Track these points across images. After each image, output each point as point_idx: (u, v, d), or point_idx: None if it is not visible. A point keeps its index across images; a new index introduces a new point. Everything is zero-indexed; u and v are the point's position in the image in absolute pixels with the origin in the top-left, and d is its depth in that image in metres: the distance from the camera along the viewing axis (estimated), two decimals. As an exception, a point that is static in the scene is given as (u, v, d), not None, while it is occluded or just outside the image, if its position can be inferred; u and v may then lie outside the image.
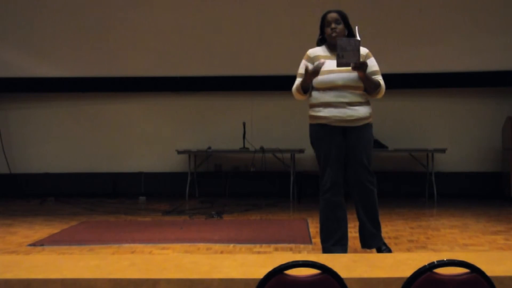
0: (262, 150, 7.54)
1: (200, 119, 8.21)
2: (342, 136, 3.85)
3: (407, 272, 1.91)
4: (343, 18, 3.90)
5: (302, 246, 4.43)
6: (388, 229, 5.11)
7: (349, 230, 3.98)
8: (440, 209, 6.61)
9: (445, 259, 1.84)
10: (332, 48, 3.87)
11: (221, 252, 4.25)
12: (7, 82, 8.08)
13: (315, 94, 3.88)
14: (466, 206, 6.70)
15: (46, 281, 2.76)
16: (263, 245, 4.51)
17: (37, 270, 2.93)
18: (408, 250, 4.28)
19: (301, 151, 7.41)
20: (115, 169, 8.20)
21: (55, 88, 8.14)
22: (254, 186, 8.02)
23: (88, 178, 8.21)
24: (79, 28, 8.02)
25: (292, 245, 4.46)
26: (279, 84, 6.82)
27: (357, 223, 4.04)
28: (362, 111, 3.84)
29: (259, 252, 4.23)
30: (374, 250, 3.99)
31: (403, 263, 3.02)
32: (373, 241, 3.96)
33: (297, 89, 3.90)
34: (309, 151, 7.26)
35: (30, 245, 4.63)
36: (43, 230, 5.32)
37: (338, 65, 3.65)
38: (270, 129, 7.98)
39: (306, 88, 3.87)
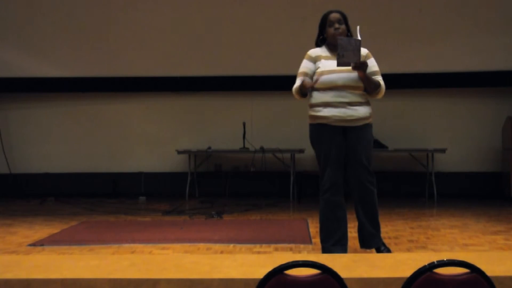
0: (262, 150, 7.54)
1: (200, 119, 8.21)
2: (342, 136, 3.85)
3: (407, 272, 1.91)
4: (345, 19, 3.91)
5: (302, 246, 4.43)
6: (388, 229, 5.11)
7: (349, 230, 3.98)
8: (440, 209, 6.61)
9: (445, 259, 1.84)
10: (332, 48, 3.88)
11: (221, 252, 4.25)
12: (7, 82, 8.08)
13: (315, 94, 3.88)
14: (466, 206, 6.70)
15: (46, 281, 2.76)
16: (263, 245, 4.51)
17: (37, 270, 2.93)
18: (408, 250, 4.27)
19: (301, 151, 7.41)
20: (115, 169, 8.21)
21: (55, 88, 8.15)
22: (254, 186, 8.02)
23: (88, 178, 8.21)
24: (79, 28, 8.02)
25: (292, 245, 4.46)
26: (279, 84, 6.83)
27: (357, 223, 4.04)
28: (362, 111, 3.84)
29: (259, 252, 4.23)
30: (373, 250, 3.99)
31: (403, 263, 3.02)
32: (372, 241, 3.96)
33: (296, 91, 3.91)
34: (309, 151, 7.27)
35: (30, 245, 4.63)
36: (43, 230, 5.32)
37: (338, 64, 3.65)
38: (270, 129, 7.98)
39: (304, 93, 3.88)
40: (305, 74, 3.91)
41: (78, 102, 8.29)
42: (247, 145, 7.66)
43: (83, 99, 8.27)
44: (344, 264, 3.00)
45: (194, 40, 7.98)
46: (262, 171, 7.63)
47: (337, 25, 3.87)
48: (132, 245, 4.55)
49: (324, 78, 3.81)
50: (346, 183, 3.95)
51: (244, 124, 7.70)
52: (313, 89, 3.88)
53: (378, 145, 7.35)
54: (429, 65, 7.71)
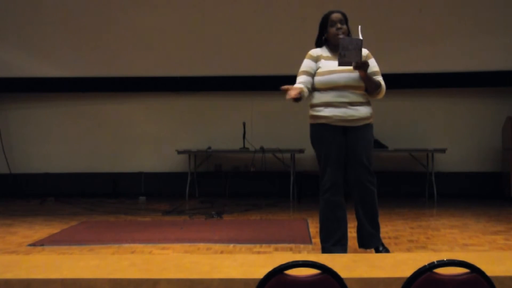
0: (262, 150, 7.54)
1: (200, 119, 8.21)
2: (343, 136, 3.85)
3: (407, 272, 1.91)
4: (346, 19, 3.91)
5: (302, 246, 4.43)
6: (388, 229, 5.11)
7: (349, 230, 3.98)
8: (440, 209, 6.60)
9: (445, 259, 1.84)
10: (333, 49, 3.88)
11: (221, 252, 4.25)
12: (7, 82, 8.08)
13: (316, 94, 3.88)
14: (466, 206, 6.70)
15: (46, 281, 2.76)
16: (263, 245, 4.50)
17: (37, 270, 2.93)
18: (408, 250, 4.27)
19: (301, 151, 7.41)
20: (115, 169, 8.21)
21: (55, 88, 8.15)
22: (254, 186, 8.02)
23: (88, 178, 8.21)
24: (79, 28, 8.02)
25: (292, 245, 4.46)
26: (279, 84, 6.78)
27: (357, 223, 4.04)
28: (363, 111, 3.85)
29: (259, 252, 4.23)
30: (372, 250, 3.99)
31: (403, 263, 3.02)
32: (371, 241, 3.97)
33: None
34: (309, 151, 7.27)
35: (30, 245, 4.63)
36: (43, 230, 5.31)
37: (340, 64, 3.65)
38: (270, 129, 7.97)
39: (297, 99, 3.80)
40: (306, 73, 3.91)
41: (78, 102, 8.29)
42: (247, 145, 7.66)
43: (83, 99, 8.26)
44: (344, 264, 3.00)
45: (194, 40, 7.98)
46: (262, 171, 7.63)
47: (339, 25, 3.87)
48: (132, 245, 4.55)
49: (325, 78, 3.82)
50: (346, 183, 3.95)
51: (244, 124, 7.70)
52: (314, 89, 3.89)
53: (378, 145, 7.35)
54: (429, 65, 7.71)
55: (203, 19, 7.96)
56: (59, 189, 8.03)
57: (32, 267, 3.01)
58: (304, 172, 7.62)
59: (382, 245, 3.98)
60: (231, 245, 4.50)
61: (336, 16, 3.90)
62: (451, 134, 7.90)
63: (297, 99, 3.72)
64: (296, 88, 3.67)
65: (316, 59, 3.90)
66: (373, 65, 3.89)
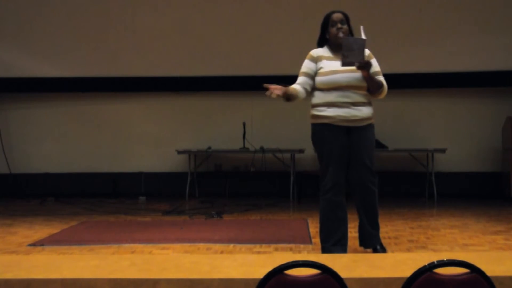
0: (262, 150, 7.54)
1: (200, 119, 8.21)
2: (346, 136, 3.85)
3: (407, 272, 1.91)
4: (347, 19, 3.91)
5: (302, 246, 4.43)
6: (388, 229, 5.11)
7: (349, 230, 3.98)
8: (440, 209, 6.60)
9: (445, 259, 1.84)
10: (335, 49, 3.88)
11: (221, 252, 4.25)
12: (7, 82, 8.08)
13: (318, 94, 3.88)
14: (466, 206, 6.70)
15: (46, 281, 2.76)
16: (263, 245, 4.50)
17: (37, 270, 2.93)
18: (408, 250, 4.27)
19: (301, 151, 7.41)
20: (115, 169, 8.20)
21: (55, 88, 8.14)
22: (254, 186, 8.02)
23: (88, 178, 8.21)
24: (79, 28, 8.02)
25: (292, 245, 4.46)
26: (279, 84, 6.80)
27: (357, 223, 4.05)
28: (365, 111, 3.85)
29: (259, 252, 4.23)
30: (371, 249, 4.01)
31: (403, 263, 3.02)
32: (370, 241, 3.99)
33: None
34: (309, 151, 7.29)
35: (30, 245, 4.63)
36: (43, 230, 5.31)
37: (343, 64, 3.64)
38: (270, 129, 7.97)
39: (287, 99, 3.82)
40: (305, 74, 3.92)
41: (78, 102, 8.28)
42: (247, 145, 7.66)
43: (83, 99, 8.26)
44: (344, 264, 3.00)
45: (194, 40, 7.98)
46: (262, 171, 7.63)
47: (339, 25, 3.87)
48: (132, 245, 4.55)
49: (328, 78, 3.82)
50: (347, 182, 3.95)
51: (244, 124, 7.70)
52: (316, 89, 3.89)
53: (378, 145, 7.33)
54: (429, 65, 7.71)
55: (203, 19, 7.95)
56: (59, 189, 8.03)
57: (32, 267, 3.00)
58: (304, 172, 7.62)
59: (380, 244, 4.00)
60: (231, 245, 4.50)
61: (336, 16, 3.90)
62: (451, 134, 7.90)
63: (288, 98, 3.75)
64: (280, 89, 3.66)
65: (317, 60, 3.90)
66: (375, 65, 3.89)
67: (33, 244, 4.64)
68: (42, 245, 4.61)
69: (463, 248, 4.35)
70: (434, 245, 4.47)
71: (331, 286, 1.83)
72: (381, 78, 3.90)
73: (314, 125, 3.93)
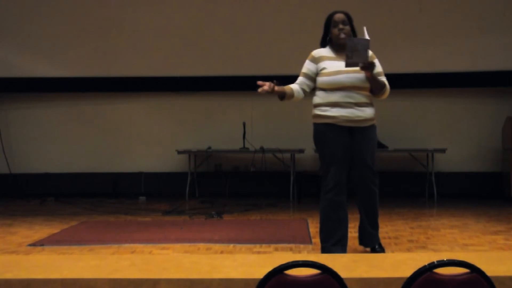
0: (262, 150, 7.54)
1: (200, 119, 8.21)
2: (349, 136, 3.85)
3: (407, 272, 1.91)
4: (349, 19, 3.91)
5: (302, 246, 4.43)
6: (388, 229, 5.11)
7: (349, 230, 3.98)
8: (440, 209, 6.61)
9: (445, 259, 1.84)
10: (338, 49, 3.88)
11: (221, 252, 4.25)
12: (7, 82, 8.08)
13: (321, 94, 3.88)
14: (466, 206, 6.70)
15: (46, 281, 2.76)
16: (263, 245, 4.51)
17: (37, 270, 2.93)
18: (408, 250, 4.28)
19: (301, 151, 7.41)
20: (115, 169, 8.20)
21: (55, 88, 8.14)
22: (254, 186, 8.02)
23: (88, 178, 8.21)
24: (79, 28, 8.02)
25: (292, 245, 4.46)
26: (279, 84, 6.80)
27: (357, 223, 4.05)
28: (368, 112, 3.86)
29: (259, 252, 4.23)
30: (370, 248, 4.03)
31: (403, 263, 3.02)
32: (369, 240, 4.01)
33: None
34: (309, 151, 7.30)
35: (30, 245, 4.63)
36: (43, 230, 5.32)
37: (347, 65, 3.65)
38: (270, 129, 7.97)
39: (281, 97, 3.85)
40: (304, 74, 3.94)
41: (78, 102, 8.28)
42: (247, 145, 7.66)
43: (83, 99, 8.26)
44: (344, 264, 3.00)
45: (194, 40, 7.98)
46: (262, 171, 7.63)
47: (341, 26, 3.87)
48: (132, 245, 4.56)
49: (332, 78, 3.82)
50: (348, 182, 3.95)
51: (244, 124, 7.70)
52: (318, 89, 3.89)
53: (378, 145, 7.31)
54: (429, 65, 7.71)
55: (203, 19, 7.95)
56: (59, 189, 8.03)
57: (32, 267, 3.00)
58: (304, 172, 7.62)
59: (379, 244, 4.01)
60: (231, 245, 4.50)
61: (338, 16, 3.89)
62: (451, 134, 7.89)
63: (282, 97, 3.77)
64: (268, 85, 3.69)
65: (318, 60, 3.90)
66: (377, 66, 3.90)
67: (33, 244, 4.64)
68: (42, 245, 4.61)
69: (463, 248, 4.35)
70: (434, 245, 4.47)
71: (331, 286, 1.83)
72: (383, 79, 3.91)
73: (316, 125, 3.93)
